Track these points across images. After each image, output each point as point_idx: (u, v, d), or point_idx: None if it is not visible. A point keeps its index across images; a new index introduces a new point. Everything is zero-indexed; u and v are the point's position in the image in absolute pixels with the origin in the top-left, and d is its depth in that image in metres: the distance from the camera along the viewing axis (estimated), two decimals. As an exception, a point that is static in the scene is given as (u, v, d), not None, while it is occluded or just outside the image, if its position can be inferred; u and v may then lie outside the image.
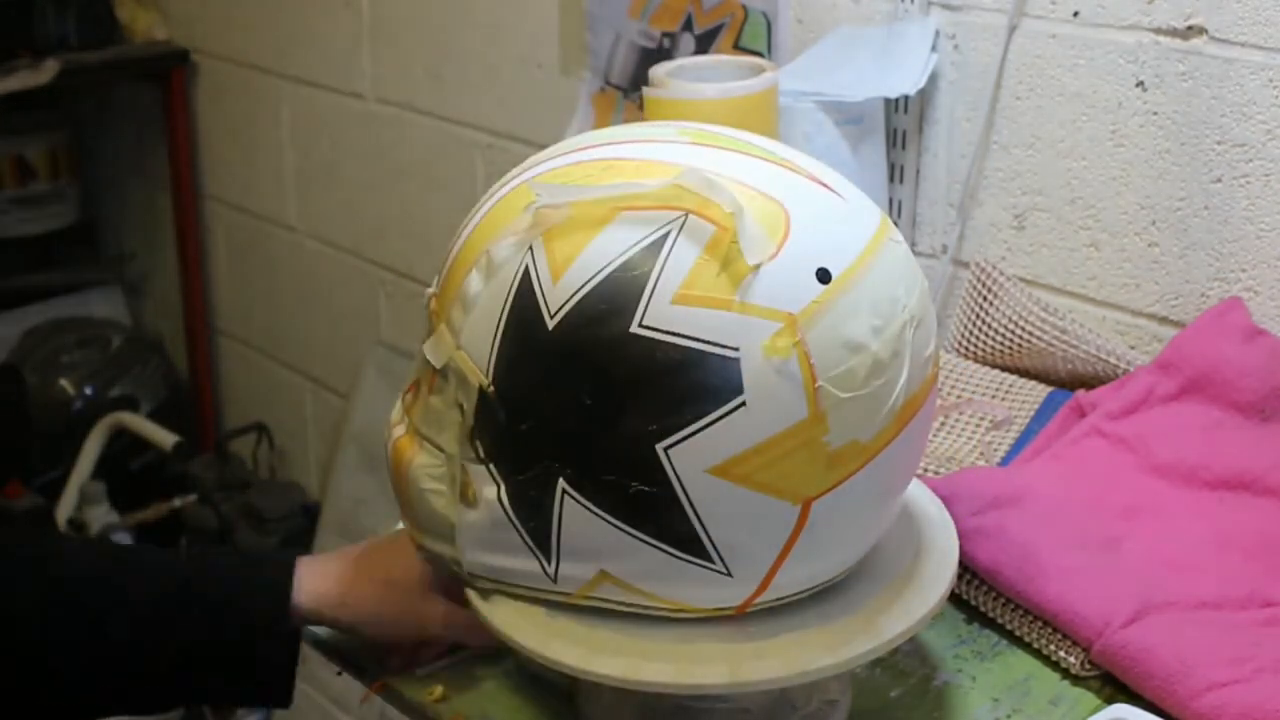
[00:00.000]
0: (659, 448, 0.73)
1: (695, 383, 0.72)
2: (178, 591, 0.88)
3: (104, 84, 2.55)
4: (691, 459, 0.73)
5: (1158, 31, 1.19)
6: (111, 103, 2.64)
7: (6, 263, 2.61)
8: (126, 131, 2.64)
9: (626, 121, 1.61)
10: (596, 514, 0.75)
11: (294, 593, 0.89)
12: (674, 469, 0.73)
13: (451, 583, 0.86)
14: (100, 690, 0.89)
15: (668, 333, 0.73)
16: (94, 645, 0.87)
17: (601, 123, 1.66)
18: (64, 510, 2.38)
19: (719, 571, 0.76)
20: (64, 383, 2.60)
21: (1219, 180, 1.18)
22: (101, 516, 2.35)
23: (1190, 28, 1.17)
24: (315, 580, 0.90)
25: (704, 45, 1.53)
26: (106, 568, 0.91)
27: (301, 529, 2.33)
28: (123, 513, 2.38)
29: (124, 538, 2.28)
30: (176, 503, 2.42)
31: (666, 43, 1.57)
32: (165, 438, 2.44)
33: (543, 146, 0.87)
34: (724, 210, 0.74)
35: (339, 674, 0.99)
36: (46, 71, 2.26)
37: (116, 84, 2.56)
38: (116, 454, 2.50)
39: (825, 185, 0.80)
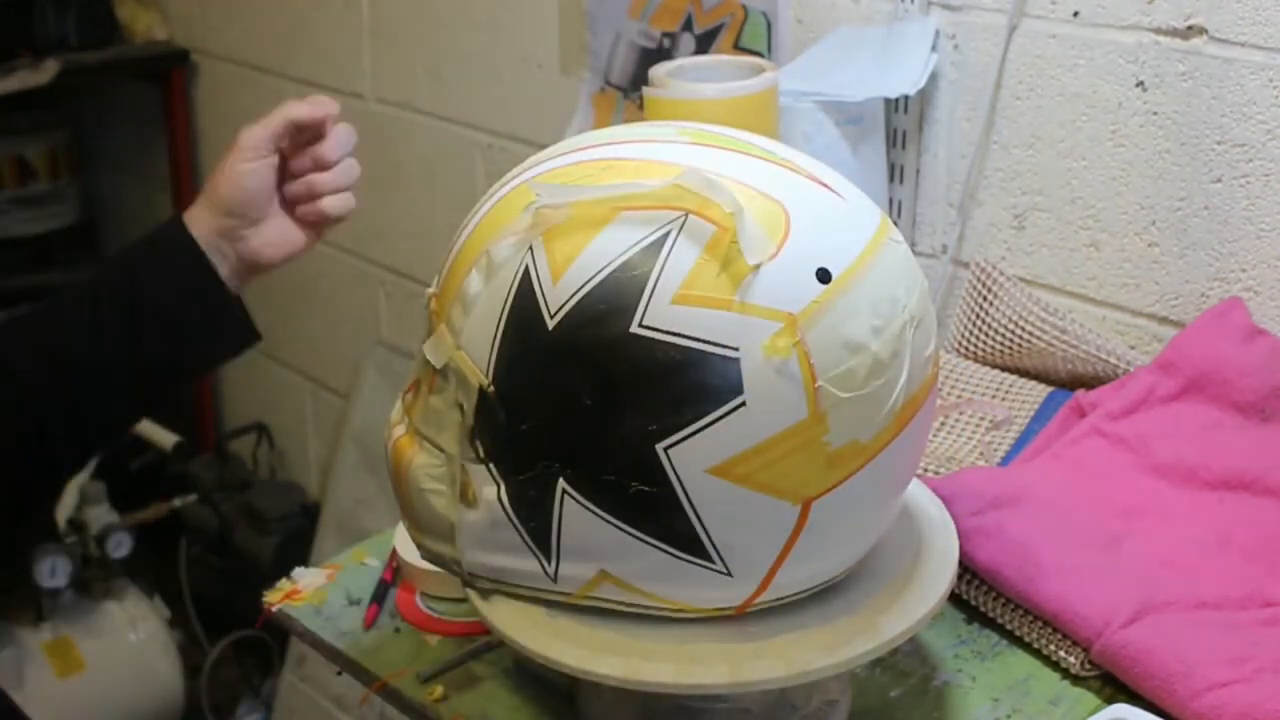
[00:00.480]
0: (659, 448, 0.73)
1: (695, 383, 0.72)
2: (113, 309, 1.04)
3: (104, 84, 2.55)
4: (691, 459, 0.73)
5: (1158, 31, 1.19)
6: (111, 103, 2.64)
7: (6, 263, 2.60)
8: (126, 131, 2.64)
9: (626, 121, 1.60)
10: (596, 514, 0.75)
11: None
12: (674, 469, 0.73)
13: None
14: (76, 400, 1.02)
15: (668, 333, 0.73)
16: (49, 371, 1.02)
17: (601, 123, 1.66)
18: (64, 510, 2.38)
19: (719, 571, 0.76)
20: (64, 383, 2.59)
21: (1219, 180, 1.18)
22: (101, 516, 2.35)
23: (1190, 28, 1.17)
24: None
25: (704, 45, 1.53)
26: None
27: (301, 529, 2.33)
28: (123, 513, 2.38)
29: (124, 538, 2.28)
30: (176, 503, 2.42)
31: (666, 43, 1.57)
32: (165, 438, 2.44)
33: (543, 146, 0.87)
34: (724, 210, 0.74)
35: (339, 674, 1.00)
36: (46, 71, 2.26)
37: (116, 84, 2.56)
38: (116, 454, 2.50)
39: (825, 185, 0.80)
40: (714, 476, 0.73)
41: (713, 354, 0.73)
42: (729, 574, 0.77)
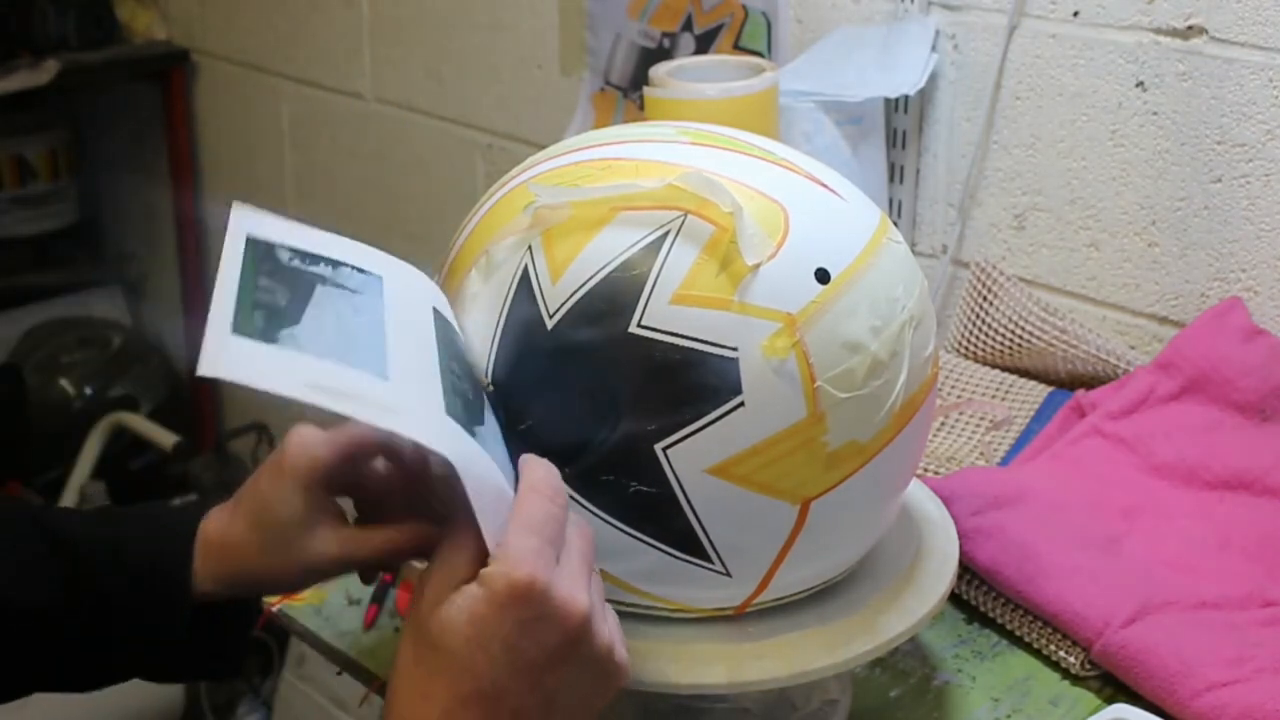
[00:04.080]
0: (658, 448, 0.73)
1: (694, 383, 0.72)
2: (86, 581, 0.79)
3: (104, 84, 2.54)
4: (690, 459, 0.73)
5: (1158, 31, 1.19)
6: (111, 103, 2.64)
7: (6, 263, 2.60)
8: (126, 131, 2.64)
9: (626, 121, 1.60)
10: (595, 514, 0.75)
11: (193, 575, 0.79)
12: (673, 469, 0.73)
13: (331, 503, 0.79)
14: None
15: (666, 333, 0.72)
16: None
17: (601, 123, 1.66)
18: (64, 510, 2.38)
19: (718, 572, 0.76)
20: (64, 383, 2.60)
21: (1219, 180, 1.18)
22: (101, 516, 2.35)
23: (1190, 28, 1.17)
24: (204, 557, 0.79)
25: (704, 45, 1.53)
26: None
27: (301, 529, 2.32)
28: (123, 513, 2.38)
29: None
30: (176, 503, 2.42)
31: (666, 43, 1.57)
32: (165, 438, 2.44)
33: (542, 146, 0.87)
34: (723, 210, 0.74)
35: (339, 674, 1.00)
36: (46, 71, 2.26)
37: (116, 84, 2.55)
38: (116, 454, 2.50)
39: (824, 185, 0.80)
40: (713, 476, 0.73)
41: (711, 354, 0.72)
42: (728, 574, 0.77)
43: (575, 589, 0.64)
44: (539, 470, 0.68)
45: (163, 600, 0.78)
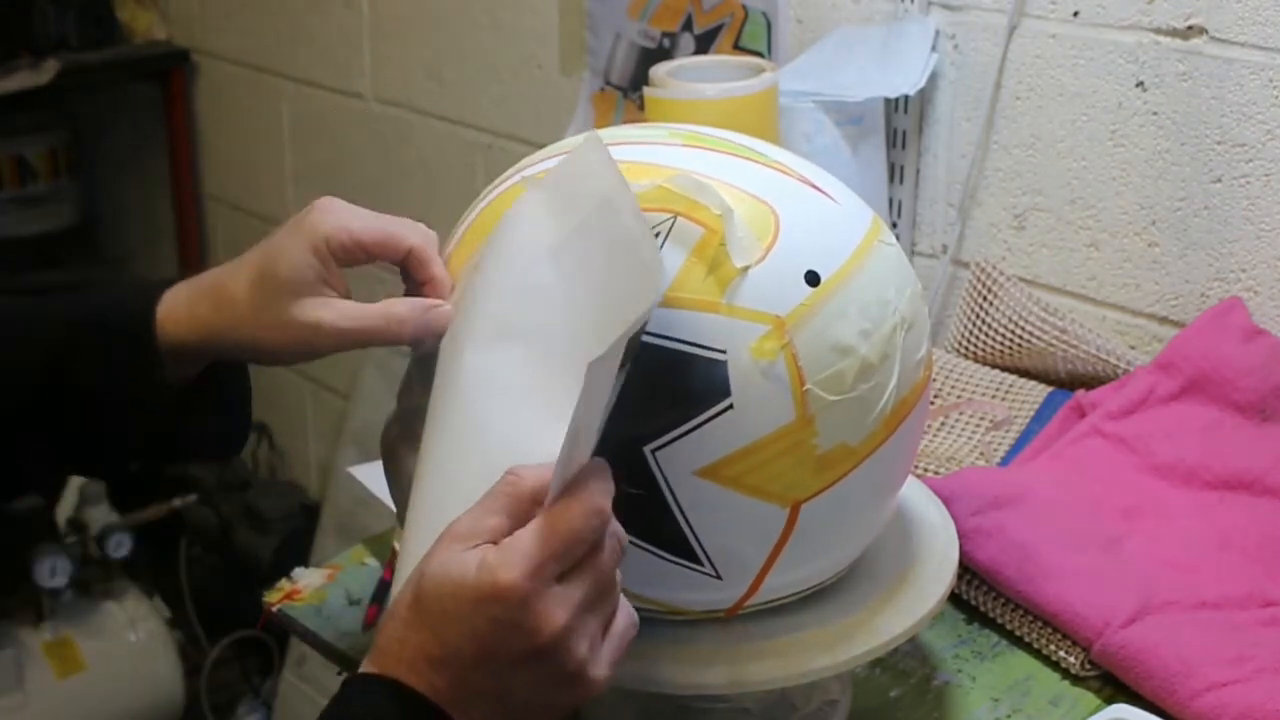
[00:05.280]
0: (646, 450, 0.72)
1: (682, 385, 0.72)
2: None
3: (104, 84, 2.55)
4: (679, 462, 0.73)
5: (1158, 31, 1.19)
6: (111, 103, 2.64)
7: (6, 263, 2.60)
8: (126, 131, 2.64)
9: (627, 122, 1.61)
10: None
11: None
12: (661, 472, 0.73)
13: (338, 276, 0.79)
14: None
15: (655, 335, 0.72)
16: None
17: (601, 123, 1.66)
18: (64, 510, 2.38)
19: (708, 574, 0.76)
20: (64, 383, 2.59)
21: (1219, 180, 1.18)
22: (101, 516, 2.35)
23: (1190, 28, 1.17)
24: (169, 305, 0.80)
25: (704, 45, 1.53)
26: None
27: (301, 529, 2.33)
28: (123, 513, 2.38)
29: (124, 538, 2.28)
30: (176, 503, 2.42)
31: (666, 43, 1.57)
32: (165, 438, 2.44)
33: (542, 146, 0.87)
34: (712, 212, 0.74)
35: (339, 674, 0.99)
36: (46, 71, 2.26)
37: (116, 84, 2.56)
38: (117, 454, 2.49)
39: (816, 187, 0.80)
40: (702, 479, 0.73)
41: (700, 356, 0.72)
42: (718, 576, 0.76)
43: (555, 607, 0.64)
44: (599, 483, 0.66)
45: (132, 339, 0.79)
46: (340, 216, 0.79)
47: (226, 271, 0.81)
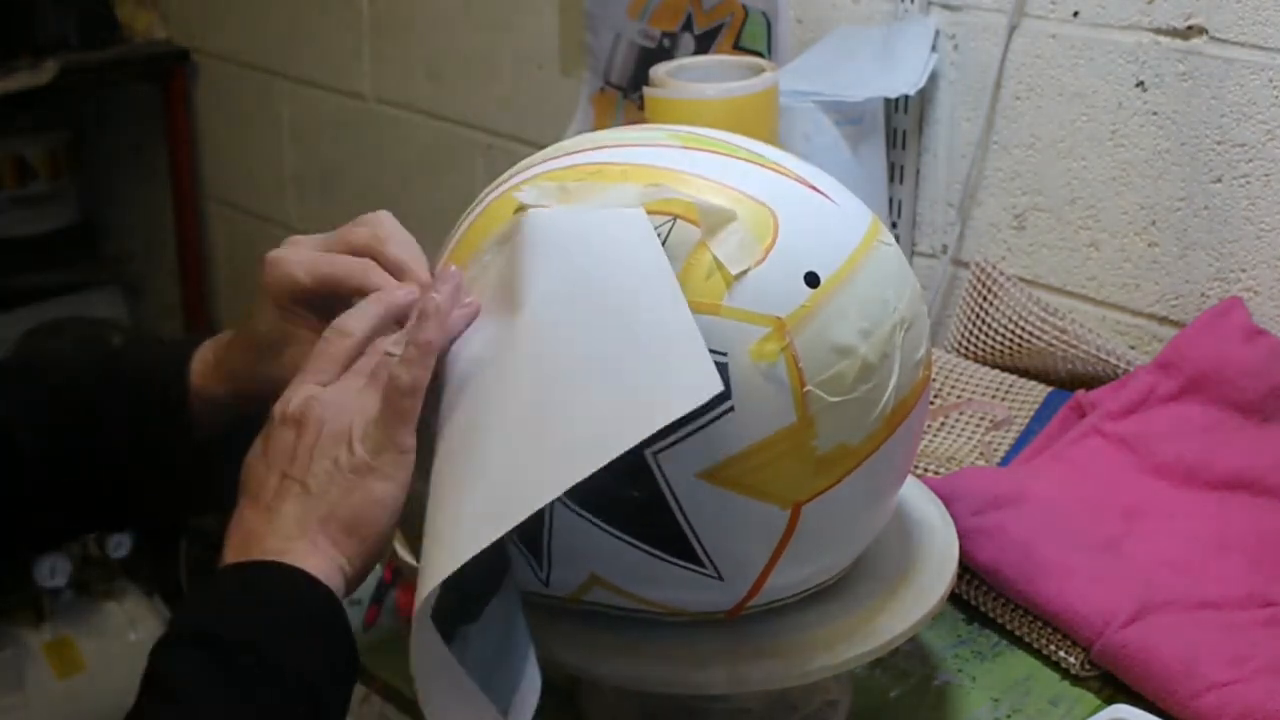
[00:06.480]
0: (648, 453, 0.72)
1: None
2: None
3: (104, 84, 2.54)
4: (680, 464, 0.73)
5: (1158, 31, 1.19)
6: (111, 103, 2.64)
7: (6, 263, 2.60)
8: (126, 131, 2.64)
9: (627, 122, 1.61)
10: (586, 519, 0.75)
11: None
12: (663, 474, 0.73)
13: (309, 318, 0.83)
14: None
15: None
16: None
17: (601, 123, 1.66)
18: (64, 510, 2.38)
19: (709, 575, 0.76)
20: (64, 383, 2.59)
21: (1219, 180, 1.18)
22: (101, 517, 2.35)
23: (1190, 28, 1.17)
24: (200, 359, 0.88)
25: (704, 45, 1.53)
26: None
27: (301, 529, 2.32)
28: (123, 513, 2.38)
29: (124, 538, 2.28)
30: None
31: (666, 43, 1.57)
32: (165, 438, 2.44)
33: (543, 146, 0.87)
34: (701, 224, 0.74)
35: (339, 674, 0.99)
36: (46, 71, 2.26)
37: (116, 84, 2.55)
38: (117, 454, 2.49)
39: (815, 188, 0.80)
40: (703, 481, 0.73)
41: None
42: (719, 577, 0.76)
43: (294, 393, 0.74)
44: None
45: (163, 403, 0.86)
46: (286, 267, 0.83)
47: (228, 337, 0.88)
